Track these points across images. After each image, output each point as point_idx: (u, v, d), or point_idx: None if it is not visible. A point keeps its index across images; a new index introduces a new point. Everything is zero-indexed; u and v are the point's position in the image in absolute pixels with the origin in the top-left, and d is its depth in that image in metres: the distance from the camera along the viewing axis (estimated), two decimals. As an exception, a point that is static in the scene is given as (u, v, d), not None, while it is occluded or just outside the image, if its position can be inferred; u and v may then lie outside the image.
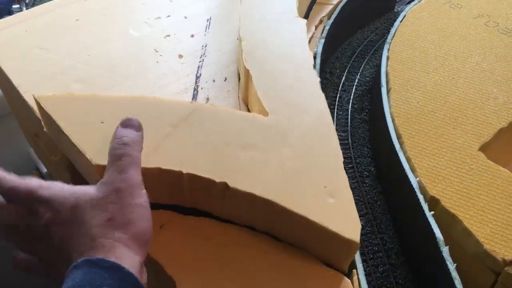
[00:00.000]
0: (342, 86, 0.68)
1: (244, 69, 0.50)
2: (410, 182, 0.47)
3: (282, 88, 0.49)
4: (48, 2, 0.65)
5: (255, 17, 0.58)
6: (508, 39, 0.64)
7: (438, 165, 0.49)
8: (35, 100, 0.45)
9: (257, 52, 0.53)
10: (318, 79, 0.50)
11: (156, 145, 0.42)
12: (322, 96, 0.48)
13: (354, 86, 0.68)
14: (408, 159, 0.49)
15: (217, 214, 0.42)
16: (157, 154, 0.41)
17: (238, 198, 0.39)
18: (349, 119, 0.63)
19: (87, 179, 0.45)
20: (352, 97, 0.66)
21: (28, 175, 0.34)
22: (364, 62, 0.72)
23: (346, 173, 0.58)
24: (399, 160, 0.49)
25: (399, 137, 0.51)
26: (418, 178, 0.48)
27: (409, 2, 0.88)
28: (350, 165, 0.58)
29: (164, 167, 0.40)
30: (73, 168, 0.49)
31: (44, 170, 0.78)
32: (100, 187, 0.33)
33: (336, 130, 0.61)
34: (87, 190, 0.33)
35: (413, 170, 0.48)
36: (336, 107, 0.65)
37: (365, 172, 0.57)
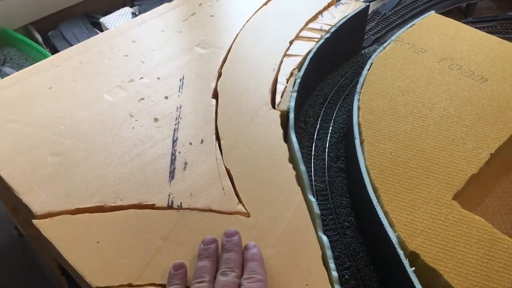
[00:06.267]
0: (317, 135, 0.69)
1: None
2: (390, 237, 0.48)
3: (261, 186, 0.52)
4: (18, 72, 0.65)
5: (232, 111, 0.62)
6: (472, 81, 0.66)
7: (416, 218, 0.50)
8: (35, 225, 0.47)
9: (236, 150, 0.56)
10: (294, 173, 0.53)
11: (149, 259, 0.45)
12: (298, 188, 0.51)
13: (329, 134, 0.69)
14: (386, 213, 0.50)
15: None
16: (150, 269, 0.44)
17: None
18: (326, 169, 0.64)
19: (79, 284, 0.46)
20: (327, 145, 0.68)
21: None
22: (337, 109, 0.73)
23: (327, 224, 0.59)
24: (378, 215, 0.50)
25: (375, 190, 0.53)
26: (396, 233, 0.49)
27: (371, 44, 0.91)
28: (330, 217, 0.59)
29: (158, 282, 0.43)
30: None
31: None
32: None
33: (314, 180, 0.63)
34: None
35: (391, 224, 0.49)
36: (312, 157, 0.66)
37: (345, 223, 0.58)
